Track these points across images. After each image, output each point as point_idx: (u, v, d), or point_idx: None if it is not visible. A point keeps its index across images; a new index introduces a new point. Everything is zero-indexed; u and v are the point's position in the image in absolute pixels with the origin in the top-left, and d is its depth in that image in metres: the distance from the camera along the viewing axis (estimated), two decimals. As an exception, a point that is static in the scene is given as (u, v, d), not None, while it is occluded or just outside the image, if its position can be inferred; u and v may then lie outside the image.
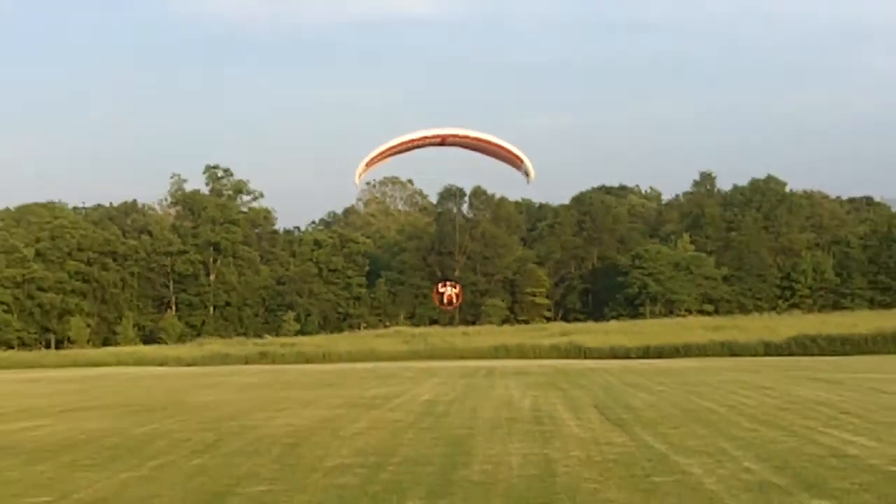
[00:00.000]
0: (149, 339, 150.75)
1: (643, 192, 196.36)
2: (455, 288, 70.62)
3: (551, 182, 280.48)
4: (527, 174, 53.95)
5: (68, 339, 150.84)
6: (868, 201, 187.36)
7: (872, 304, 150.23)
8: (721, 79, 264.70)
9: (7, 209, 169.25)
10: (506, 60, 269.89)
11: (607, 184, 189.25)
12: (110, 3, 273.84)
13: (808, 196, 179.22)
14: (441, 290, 69.59)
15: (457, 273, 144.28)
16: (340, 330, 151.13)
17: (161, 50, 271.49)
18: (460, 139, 51.66)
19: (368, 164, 51.39)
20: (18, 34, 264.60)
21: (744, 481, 18.94)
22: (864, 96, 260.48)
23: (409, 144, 51.49)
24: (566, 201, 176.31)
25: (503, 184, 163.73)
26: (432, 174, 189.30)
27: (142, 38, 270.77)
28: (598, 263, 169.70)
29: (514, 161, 52.69)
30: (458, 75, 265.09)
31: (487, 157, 55.39)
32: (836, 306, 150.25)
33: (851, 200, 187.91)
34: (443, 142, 51.94)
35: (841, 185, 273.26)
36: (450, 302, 67.81)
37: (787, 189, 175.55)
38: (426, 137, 51.31)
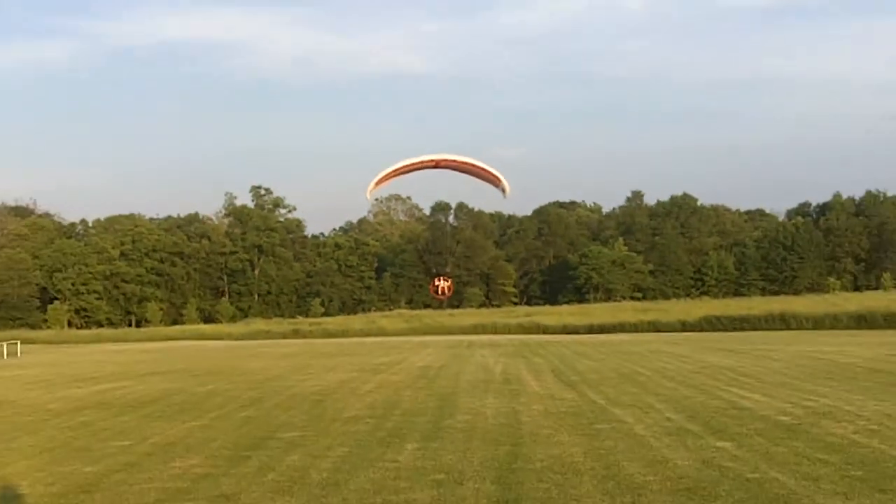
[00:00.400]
0: (208, 320, 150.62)
1: (588, 205, 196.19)
2: (447, 282, 70.60)
3: (517, 198, 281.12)
4: (503, 191, 53.49)
5: (145, 319, 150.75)
6: (761, 213, 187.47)
7: (764, 291, 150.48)
8: (648, 119, 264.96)
9: (98, 219, 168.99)
10: (483, 105, 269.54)
11: (560, 199, 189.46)
12: (184, 60, 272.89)
13: (715, 209, 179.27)
14: (436, 283, 69.38)
15: (448, 269, 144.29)
16: (355, 312, 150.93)
17: (218, 95, 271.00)
18: (450, 163, 51.17)
19: (377, 183, 51.37)
20: (116, 89, 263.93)
21: (665, 427, 18.99)
22: (757, 133, 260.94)
23: (410, 167, 51.09)
24: (529, 213, 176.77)
25: (481, 200, 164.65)
26: (426, 192, 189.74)
27: (204, 87, 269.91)
28: (554, 261, 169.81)
29: (493, 180, 52.18)
30: (446, 115, 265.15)
31: (472, 177, 54.93)
32: (736, 293, 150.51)
33: (748, 212, 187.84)
34: (437, 165, 51.42)
35: (740, 199, 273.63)
36: (443, 292, 68.12)
37: (699, 203, 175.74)
38: (423, 161, 50.88)
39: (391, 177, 54.65)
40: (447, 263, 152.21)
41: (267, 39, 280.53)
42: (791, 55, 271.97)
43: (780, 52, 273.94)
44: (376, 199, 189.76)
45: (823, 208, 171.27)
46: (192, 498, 13.33)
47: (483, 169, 54.36)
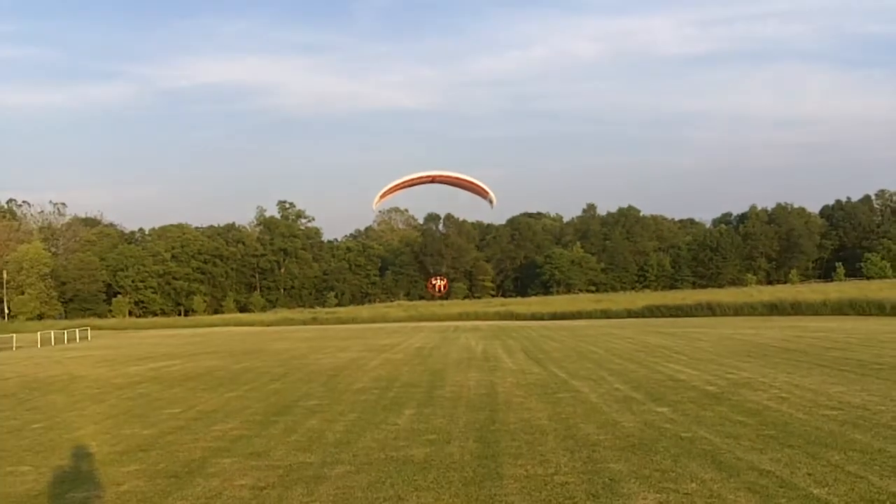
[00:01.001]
0: (243, 309, 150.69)
1: (552, 215, 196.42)
2: (443, 280, 68.63)
3: (494, 209, 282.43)
4: (491, 202, 52.55)
5: (192, 309, 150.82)
6: (691, 221, 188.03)
7: (694, 285, 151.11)
8: (599, 145, 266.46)
9: (153, 228, 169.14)
10: (467, 134, 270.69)
11: (529, 211, 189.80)
12: (224, 99, 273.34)
13: (654, 218, 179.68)
14: (434, 282, 67.61)
15: (444, 270, 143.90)
16: (363, 303, 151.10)
17: (251, 126, 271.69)
18: (445, 178, 50.38)
19: (382, 196, 50.63)
20: (168, 122, 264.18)
21: (614, 396, 18.99)
22: (688, 156, 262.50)
23: (411, 182, 50.34)
24: (503, 222, 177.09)
25: (465, 211, 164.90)
26: (420, 205, 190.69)
27: (240, 120, 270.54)
28: (524, 261, 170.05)
29: (482, 193, 51.45)
30: (435, 143, 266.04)
31: (464, 190, 53.96)
32: (672, 287, 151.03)
33: (681, 221, 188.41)
34: (433, 180, 50.62)
35: (674, 210, 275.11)
36: (439, 290, 66.91)
37: (641, 213, 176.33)
38: (422, 177, 49.97)
39: (394, 190, 53.68)
40: (442, 265, 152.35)
41: (291, 82, 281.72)
42: (713, 94, 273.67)
43: (705, 91, 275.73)
44: (380, 212, 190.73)
45: (742, 217, 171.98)
46: (230, 455, 13.32)
47: (473, 183, 53.40)
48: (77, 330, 76.28)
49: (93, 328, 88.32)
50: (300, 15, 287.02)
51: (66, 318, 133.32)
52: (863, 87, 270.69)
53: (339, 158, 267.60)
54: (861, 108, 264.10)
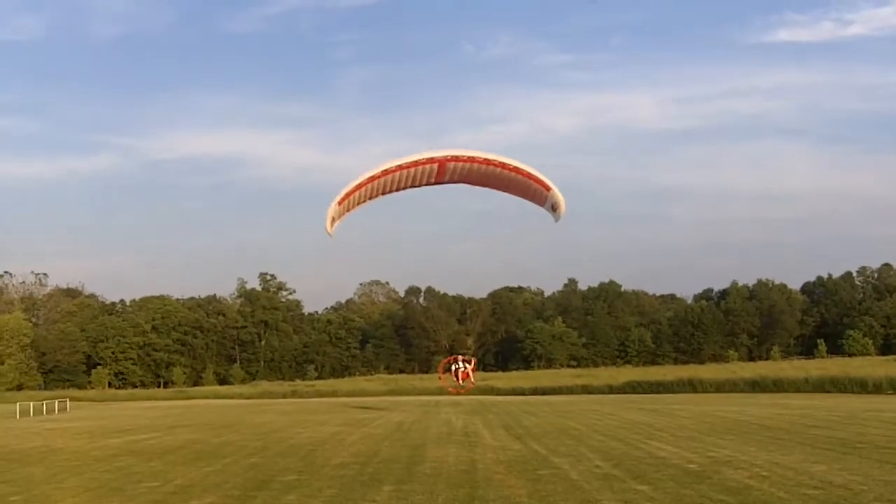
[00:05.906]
0: (223, 382, 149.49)
1: (533, 290, 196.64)
2: (469, 364, 48.08)
3: (475, 283, 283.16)
4: (554, 207, 32.26)
5: (172, 381, 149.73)
6: (672, 297, 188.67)
7: (676, 361, 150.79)
8: (581, 220, 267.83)
9: (134, 300, 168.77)
10: (449, 206, 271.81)
11: (510, 285, 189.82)
12: (206, 171, 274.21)
13: (636, 293, 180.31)
14: (453, 366, 48.38)
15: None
16: (343, 376, 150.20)
17: (233, 198, 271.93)
18: (464, 162, 29.44)
19: (341, 201, 30.38)
20: (150, 193, 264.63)
21: (595, 473, 18.91)
22: (669, 232, 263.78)
23: (396, 173, 30.23)
24: (484, 296, 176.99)
25: (445, 284, 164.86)
26: (401, 279, 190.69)
27: (222, 192, 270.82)
28: (505, 335, 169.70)
29: (533, 190, 30.96)
30: (419, 215, 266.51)
31: (499, 191, 32.98)
32: (653, 363, 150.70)
33: (662, 296, 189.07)
34: (441, 169, 29.43)
35: (656, 286, 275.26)
36: (465, 378, 43.14)
37: (622, 289, 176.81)
38: (418, 161, 29.57)
39: (363, 193, 28.00)
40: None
41: (274, 155, 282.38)
42: (695, 169, 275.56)
43: (686, 167, 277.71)
44: (360, 284, 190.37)
45: (723, 293, 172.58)
46: (208, 531, 13.18)
47: (515, 169, 31.81)
48: (56, 401, 75.51)
49: (72, 399, 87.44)
50: (284, 89, 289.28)
51: (45, 388, 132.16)
52: (843, 164, 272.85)
53: (321, 231, 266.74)
54: (841, 185, 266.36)
